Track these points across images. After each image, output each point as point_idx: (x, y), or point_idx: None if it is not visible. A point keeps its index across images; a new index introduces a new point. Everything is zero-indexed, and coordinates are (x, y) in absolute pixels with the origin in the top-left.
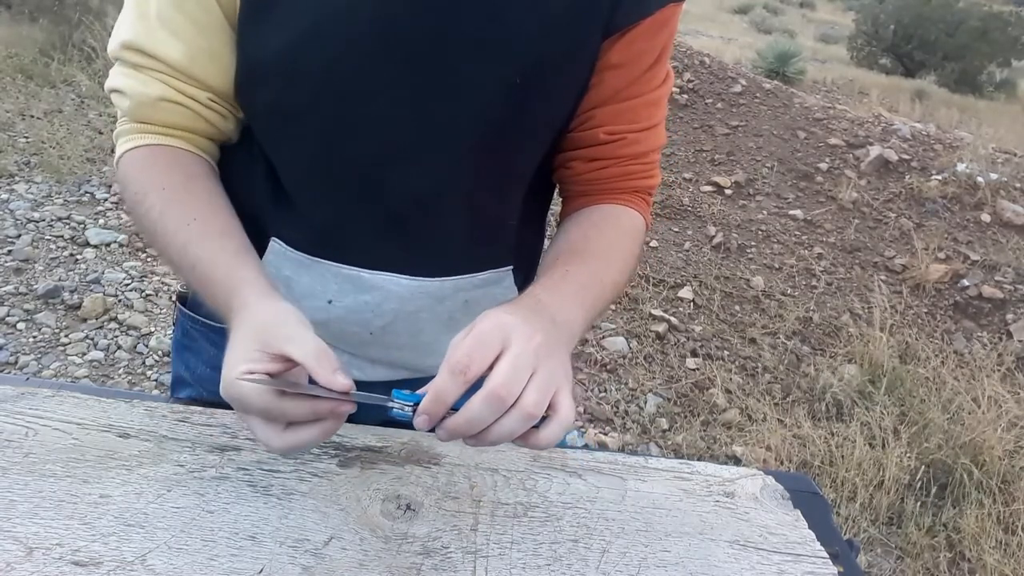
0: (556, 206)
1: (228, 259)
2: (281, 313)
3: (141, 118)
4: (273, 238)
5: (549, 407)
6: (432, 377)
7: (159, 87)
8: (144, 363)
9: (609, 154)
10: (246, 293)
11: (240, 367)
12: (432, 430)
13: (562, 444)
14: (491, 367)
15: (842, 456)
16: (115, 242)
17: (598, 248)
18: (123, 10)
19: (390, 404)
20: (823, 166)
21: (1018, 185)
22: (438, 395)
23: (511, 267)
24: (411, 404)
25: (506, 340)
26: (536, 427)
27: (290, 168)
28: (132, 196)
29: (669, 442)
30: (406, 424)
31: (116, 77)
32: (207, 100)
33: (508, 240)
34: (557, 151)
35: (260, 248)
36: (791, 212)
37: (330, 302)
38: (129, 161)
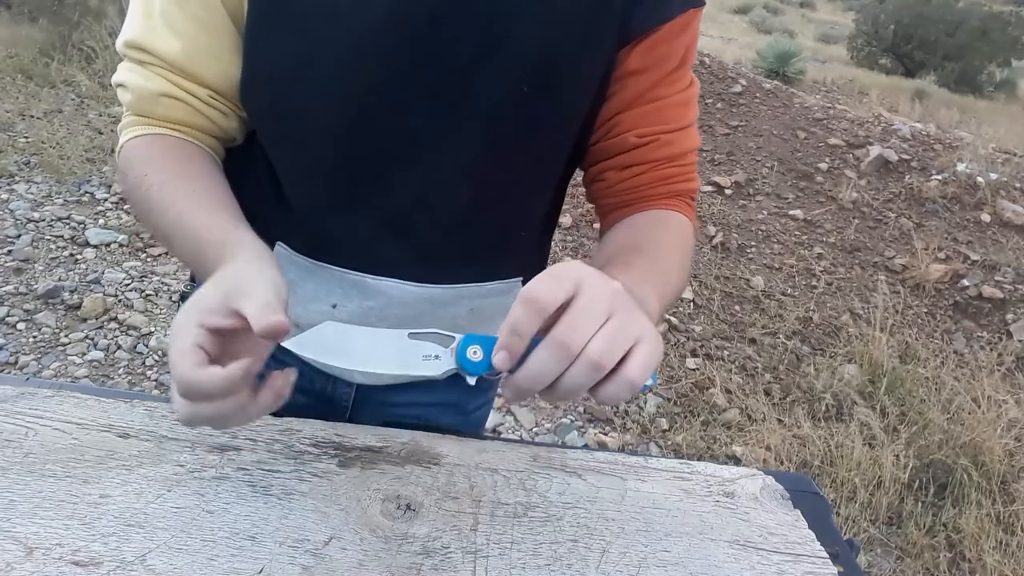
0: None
1: (224, 225)
2: (254, 270)
3: (142, 112)
4: (278, 242)
5: (621, 361)
6: None
7: (159, 82)
8: (144, 363)
9: (642, 158)
10: (237, 252)
11: (193, 317)
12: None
13: (561, 444)
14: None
15: (842, 456)
16: (115, 242)
17: (651, 247)
18: (129, 8)
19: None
20: (823, 166)
21: (1018, 185)
22: (513, 326)
23: (520, 279)
24: (483, 352)
25: (579, 282)
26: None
27: (293, 171)
28: (132, 180)
29: (669, 442)
30: (406, 424)
31: (121, 72)
32: (207, 97)
33: (517, 251)
34: (586, 166)
35: None
36: (791, 212)
37: (334, 306)
38: (130, 148)
